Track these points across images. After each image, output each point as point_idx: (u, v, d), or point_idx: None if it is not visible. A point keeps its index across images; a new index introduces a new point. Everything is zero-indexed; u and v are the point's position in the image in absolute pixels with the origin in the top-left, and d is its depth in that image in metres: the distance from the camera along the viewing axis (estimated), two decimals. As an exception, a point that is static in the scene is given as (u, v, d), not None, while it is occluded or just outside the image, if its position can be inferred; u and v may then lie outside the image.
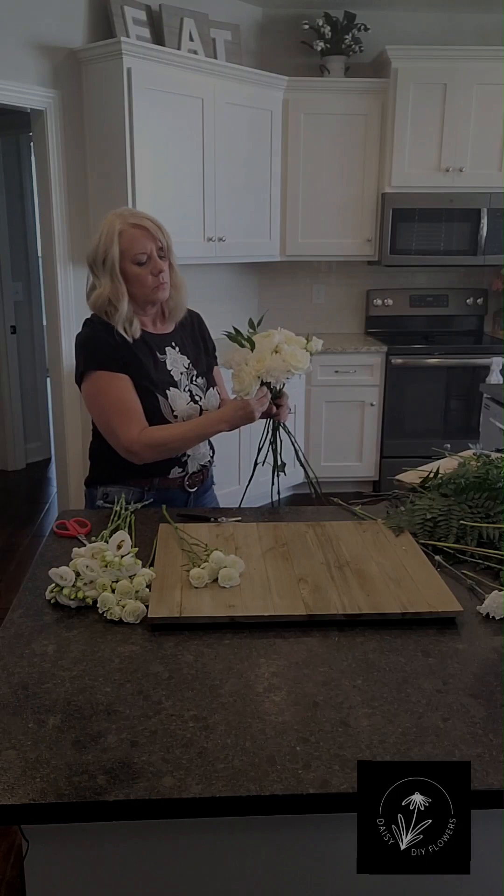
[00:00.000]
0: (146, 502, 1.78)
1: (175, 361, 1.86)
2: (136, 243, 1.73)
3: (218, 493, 2.06)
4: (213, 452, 1.97)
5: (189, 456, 1.86)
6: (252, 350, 1.76)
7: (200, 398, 1.87)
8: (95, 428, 1.85)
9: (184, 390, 1.85)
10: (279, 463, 1.87)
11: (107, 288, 1.75)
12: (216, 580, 1.36)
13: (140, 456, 1.76)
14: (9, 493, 4.70)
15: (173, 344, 1.88)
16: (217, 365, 2.02)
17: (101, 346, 1.76)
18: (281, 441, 1.87)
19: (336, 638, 1.23)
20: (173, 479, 1.85)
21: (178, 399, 1.82)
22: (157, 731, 1.00)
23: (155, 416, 1.79)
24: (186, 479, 1.87)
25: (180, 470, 1.85)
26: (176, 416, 1.81)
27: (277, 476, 1.88)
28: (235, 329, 1.79)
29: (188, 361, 1.89)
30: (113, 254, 1.73)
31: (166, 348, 1.86)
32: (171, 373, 1.84)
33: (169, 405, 1.80)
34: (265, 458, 1.87)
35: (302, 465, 1.89)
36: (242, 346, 1.78)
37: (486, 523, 1.58)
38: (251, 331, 1.81)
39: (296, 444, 1.89)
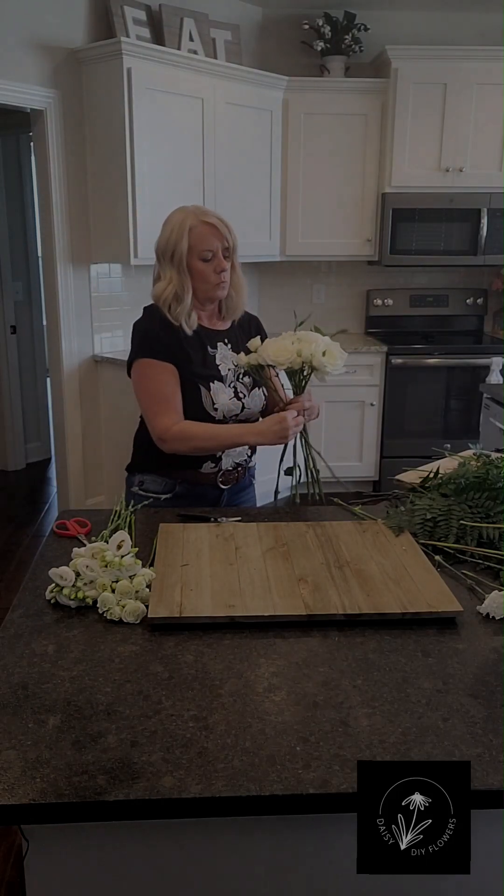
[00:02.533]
0: (167, 495, 1.80)
1: (224, 357, 1.90)
2: (205, 240, 1.79)
3: None
4: (253, 452, 1.97)
5: (224, 452, 1.87)
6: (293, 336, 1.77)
7: (245, 395, 1.90)
8: (141, 416, 1.90)
9: (229, 385, 1.88)
10: (294, 465, 1.86)
11: (174, 281, 1.81)
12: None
13: (169, 445, 1.81)
14: (9, 493, 4.70)
15: (226, 341, 1.92)
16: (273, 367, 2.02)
17: (153, 336, 1.83)
18: (305, 444, 1.84)
19: (336, 638, 1.23)
20: (206, 474, 1.87)
21: (220, 393, 1.85)
22: (157, 731, 1.00)
23: (195, 407, 1.82)
24: (220, 475, 1.89)
25: (213, 465, 1.87)
26: (216, 409, 1.83)
27: (299, 477, 1.86)
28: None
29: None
30: (182, 248, 1.78)
31: (218, 343, 1.90)
32: (220, 367, 1.88)
33: (211, 398, 1.83)
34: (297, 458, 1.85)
35: (311, 474, 1.87)
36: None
37: (486, 523, 1.58)
38: (317, 327, 1.82)
39: (311, 453, 1.86)
